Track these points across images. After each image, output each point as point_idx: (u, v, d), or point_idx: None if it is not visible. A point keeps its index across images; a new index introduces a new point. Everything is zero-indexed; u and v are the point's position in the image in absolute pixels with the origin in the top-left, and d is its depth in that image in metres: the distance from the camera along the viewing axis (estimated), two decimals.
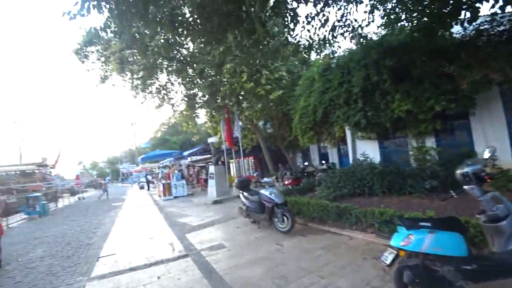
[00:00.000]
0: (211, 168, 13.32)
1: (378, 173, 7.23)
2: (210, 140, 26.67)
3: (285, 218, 6.08)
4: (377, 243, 4.90)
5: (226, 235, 6.69)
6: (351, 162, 10.01)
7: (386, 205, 6.25)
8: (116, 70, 13.50)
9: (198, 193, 17.60)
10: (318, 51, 7.04)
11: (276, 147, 19.83)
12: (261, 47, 6.36)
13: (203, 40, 5.68)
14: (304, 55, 8.07)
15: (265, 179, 6.99)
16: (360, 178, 7.40)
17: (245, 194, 7.21)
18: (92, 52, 15.06)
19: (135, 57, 13.95)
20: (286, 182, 11.82)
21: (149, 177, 31.36)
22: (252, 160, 20.77)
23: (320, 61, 10.16)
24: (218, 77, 13.81)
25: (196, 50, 14.30)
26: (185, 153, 18.85)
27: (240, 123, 15.02)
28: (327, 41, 6.62)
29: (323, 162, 16.52)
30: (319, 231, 6.09)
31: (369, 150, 9.11)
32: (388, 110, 7.23)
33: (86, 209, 15.81)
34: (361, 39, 7.24)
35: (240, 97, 14.12)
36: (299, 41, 6.63)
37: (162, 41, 13.39)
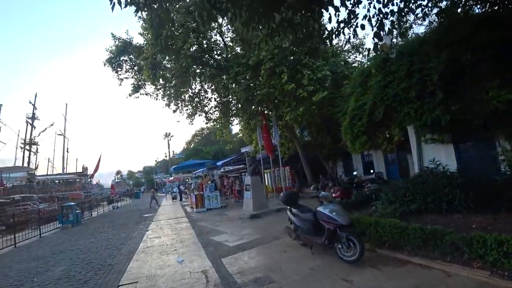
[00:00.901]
0: (247, 179, 12.10)
1: (459, 184, 5.65)
2: (243, 149, 25.73)
3: (351, 244, 4.60)
4: (494, 284, 3.41)
5: (272, 262, 5.29)
6: (416, 170, 8.28)
7: (481, 225, 4.78)
8: (148, 77, 12.99)
9: (231, 205, 16.41)
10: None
11: (314, 156, 18.26)
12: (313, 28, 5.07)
13: (245, 16, 4.49)
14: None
15: (323, 193, 5.51)
16: (434, 191, 5.80)
17: (295, 210, 5.83)
18: (125, 60, 14.80)
19: (167, 63, 13.40)
20: (333, 195, 10.27)
21: (182, 188, 30.98)
22: (288, 170, 19.31)
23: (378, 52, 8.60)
24: (254, 80, 12.77)
25: (230, 54, 13.48)
26: (219, 163, 17.87)
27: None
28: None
29: (372, 171, 14.66)
30: (395, 262, 4.55)
31: (440, 156, 7.40)
32: (480, 102, 5.53)
33: (117, 220, 15.22)
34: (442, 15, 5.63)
35: (278, 101, 12.89)
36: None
37: (194, 47, 12.96)
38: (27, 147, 41.92)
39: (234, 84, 12.64)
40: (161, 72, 12.95)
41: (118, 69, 14.59)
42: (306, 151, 17.79)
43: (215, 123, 16.78)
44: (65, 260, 7.29)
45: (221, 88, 14.32)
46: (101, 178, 57.60)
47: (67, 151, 53.85)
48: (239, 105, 13.80)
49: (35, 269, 6.76)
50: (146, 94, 15.75)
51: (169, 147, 76.32)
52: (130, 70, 14.80)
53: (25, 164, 38.71)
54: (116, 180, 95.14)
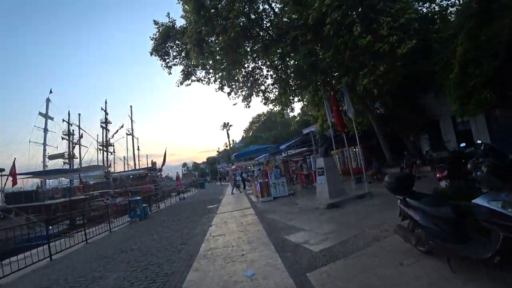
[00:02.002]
0: (319, 161, 10.15)
1: None
2: (306, 130, 23.62)
3: None
4: None
5: (389, 285, 3.41)
6: None
7: None
8: (195, 57, 11.68)
9: (300, 192, 14.70)
10: None
11: (390, 131, 15.43)
12: None
13: None
14: None
15: (481, 174, 3.32)
16: None
17: (413, 202, 3.81)
18: (171, 46, 13.81)
19: (214, 39, 11.97)
20: (438, 175, 7.78)
21: (244, 175, 30.30)
22: (360, 149, 16.70)
23: None
24: (317, 43, 10.62)
25: (282, 21, 11.43)
26: (282, 147, 16.19)
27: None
28: None
29: (480, 142, 11.51)
30: None
31: None
32: None
33: (182, 212, 14.71)
34: None
35: (349, 64, 10.50)
36: None
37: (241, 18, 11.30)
38: (104, 148, 46.02)
39: (292, 53, 10.64)
40: (209, 49, 11.52)
41: (165, 56, 13.73)
42: (381, 125, 15.07)
43: (274, 103, 15.08)
44: (123, 264, 6.44)
45: (277, 60, 12.47)
46: (169, 171, 60.93)
47: (138, 149, 58.14)
48: (301, 77, 11.78)
49: (92, 274, 6.06)
50: (198, 80, 14.71)
51: (228, 137, 77.46)
52: (177, 57, 13.86)
53: (111, 166, 42.59)
54: (184, 172, 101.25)
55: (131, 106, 55.76)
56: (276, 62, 13.81)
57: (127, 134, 53.20)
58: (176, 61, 13.89)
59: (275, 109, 15.57)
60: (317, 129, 17.22)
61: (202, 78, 14.44)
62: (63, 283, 5.84)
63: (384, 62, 8.93)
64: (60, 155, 36.43)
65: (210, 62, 12.69)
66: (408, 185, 4.08)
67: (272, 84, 14.07)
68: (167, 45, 13.41)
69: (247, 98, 14.89)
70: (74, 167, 36.02)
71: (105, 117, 49.03)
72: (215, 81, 14.18)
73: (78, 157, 42.60)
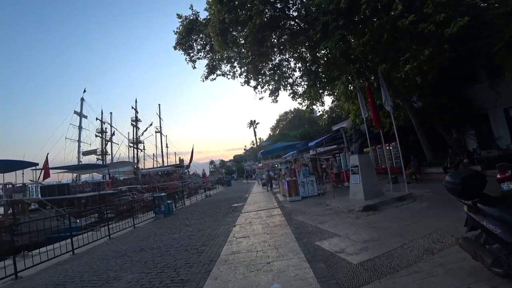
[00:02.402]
0: (353, 159, 9.21)
1: None
2: (335, 127, 22.47)
3: None
4: None
5: None
6: None
7: None
8: (219, 46, 11.09)
9: (329, 192, 13.76)
10: None
11: (430, 126, 13.99)
12: None
13: None
14: None
15: None
16: None
17: (488, 209, 2.94)
18: (195, 39, 13.36)
19: (239, 29, 11.33)
20: (499, 176, 6.61)
21: (271, 173, 29.62)
22: (398, 146, 15.29)
23: None
24: (350, 28, 9.65)
25: (311, 6, 10.54)
26: (311, 144, 15.28)
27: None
28: None
29: None
30: None
31: None
32: None
33: (206, 210, 14.32)
34: None
35: (387, 51, 9.41)
36: None
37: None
38: (134, 145, 47.37)
39: (322, 41, 9.73)
40: (233, 38, 10.87)
41: (189, 50, 13.32)
42: (420, 120, 13.70)
43: (302, 98, 14.21)
44: (140, 263, 6.06)
45: (305, 51, 11.61)
46: (197, 168, 61.60)
47: (167, 147, 59.38)
48: (332, 67, 10.84)
49: (107, 273, 5.76)
50: (223, 75, 14.19)
51: (255, 135, 77.16)
52: (202, 50, 13.39)
53: (139, 162, 43.79)
54: (211, 170, 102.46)
55: (159, 105, 56.92)
56: (304, 54, 12.95)
57: (156, 132, 54.47)
58: (200, 55, 13.46)
59: (303, 104, 14.70)
60: (348, 125, 16.14)
61: (227, 72, 13.95)
62: (77, 281, 5.61)
63: (429, 46, 7.79)
64: (93, 151, 37.97)
65: (235, 51, 12.04)
66: (479, 187, 3.19)
67: (301, 77, 13.24)
68: (190, 38, 13.00)
69: (274, 93, 14.16)
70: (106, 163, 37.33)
71: (135, 115, 50.45)
72: (240, 74, 13.61)
73: (110, 154, 44.22)
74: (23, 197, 16.71)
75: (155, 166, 52.90)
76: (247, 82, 13.54)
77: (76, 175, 30.22)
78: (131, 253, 7.24)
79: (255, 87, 13.85)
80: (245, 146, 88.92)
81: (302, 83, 13.54)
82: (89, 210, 17.80)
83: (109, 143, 45.01)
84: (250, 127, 78.07)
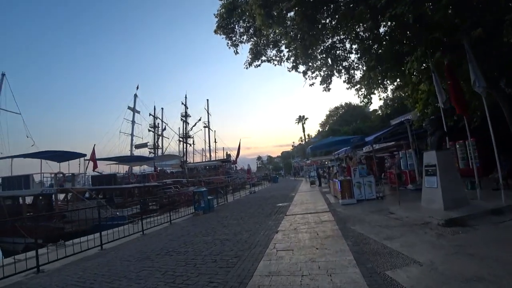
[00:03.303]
0: (429, 156, 7.20)
1: None
2: (394, 121, 19.71)
3: None
4: None
5: None
6: None
7: None
8: (261, 20, 9.62)
9: (389, 196, 11.69)
10: None
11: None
12: None
13: None
14: None
15: None
16: None
17: None
18: (237, 21, 12.08)
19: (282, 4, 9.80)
20: None
21: (320, 171, 27.67)
22: (474, 144, 12.38)
23: None
24: None
25: None
26: (368, 138, 13.18)
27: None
28: None
29: None
30: None
31: None
32: None
33: (248, 209, 13.18)
34: None
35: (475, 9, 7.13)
36: None
37: None
38: (183, 140, 48.65)
39: (389, 6, 7.71)
40: (278, 7, 9.29)
41: (231, 34, 12.10)
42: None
43: (359, 85, 12.19)
44: (158, 273, 5.11)
45: (366, 24, 9.63)
46: (244, 164, 61.53)
47: (215, 142, 60.32)
48: (403, 37, 8.77)
49: (120, 281, 4.94)
50: (268, 61, 12.76)
51: (304, 131, 74.78)
52: (244, 33, 12.10)
53: (185, 156, 44.98)
54: (258, 165, 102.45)
55: (207, 100, 58.10)
56: (363, 34, 10.95)
57: (204, 127, 55.44)
58: (243, 38, 12.19)
59: (359, 93, 12.66)
60: (414, 117, 13.65)
61: (273, 57, 12.50)
62: (88, 285, 4.96)
63: None
64: (144, 145, 39.84)
65: (281, 28, 10.50)
66: None
67: (359, 58, 11.24)
68: (232, 20, 11.80)
69: (326, 79, 12.36)
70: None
71: (185, 111, 51.80)
72: (287, 59, 12.07)
73: (161, 148, 46.01)
74: (71, 186, 17.38)
75: (203, 160, 54.00)
76: (295, 68, 11.97)
77: (128, 167, 31.49)
78: (155, 256, 6.39)
79: (304, 72, 12.19)
80: (293, 142, 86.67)
81: (360, 66, 11.54)
82: (133, 201, 18.00)
83: (161, 137, 46.81)
84: (298, 123, 75.90)
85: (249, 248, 6.06)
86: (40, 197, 17.68)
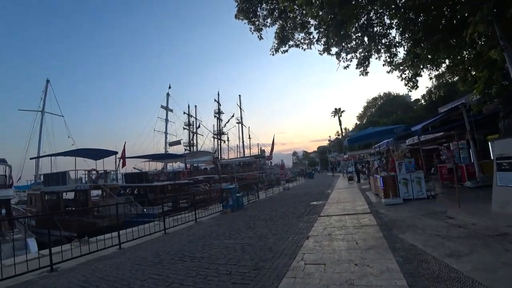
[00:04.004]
0: (503, 145, 5.64)
1: None
2: (443, 108, 17.34)
3: None
4: None
5: None
6: None
7: None
8: None
9: (440, 194, 10.01)
10: None
11: None
12: None
13: None
14: None
15: None
16: None
17: None
18: (259, 2, 10.91)
19: None
20: None
21: (359, 166, 25.78)
22: None
23: None
24: None
25: None
26: (416, 128, 11.35)
27: None
28: None
29: None
30: None
31: None
32: None
33: (279, 207, 12.17)
34: None
35: None
36: None
37: None
38: (217, 137, 48.81)
39: None
40: None
41: (254, 18, 11.00)
42: None
43: (403, 65, 10.51)
44: (165, 283, 4.41)
45: None
46: (279, 159, 60.49)
47: (249, 138, 59.98)
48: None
49: None
50: (297, 45, 11.51)
51: (340, 124, 71.52)
52: (269, 16, 10.94)
53: (217, 152, 45.11)
54: (294, 161, 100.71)
55: (239, 96, 57.83)
56: (405, 2, 9.29)
57: (237, 123, 55.17)
58: (267, 22, 11.05)
59: (403, 76, 10.97)
60: (468, 100, 11.62)
61: (302, 41, 11.25)
62: None
63: None
64: (177, 142, 40.40)
65: (306, 5, 9.22)
66: None
67: (401, 33, 9.57)
68: (253, 2, 10.71)
69: (363, 62, 10.88)
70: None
71: (218, 108, 51.88)
72: (318, 41, 10.75)
73: (195, 145, 46.55)
74: (104, 183, 17.69)
75: (238, 156, 53.88)
76: (327, 50, 10.63)
77: (163, 164, 31.95)
78: (168, 261, 5.74)
79: (337, 54, 10.79)
80: (329, 136, 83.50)
81: (403, 42, 9.86)
82: (164, 198, 17.93)
83: (195, 134, 47.35)
84: (334, 116, 72.76)
85: (273, 258, 5.08)
86: (78, 193, 18.31)
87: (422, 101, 46.23)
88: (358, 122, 68.71)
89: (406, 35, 9.53)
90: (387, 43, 10.17)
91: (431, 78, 10.88)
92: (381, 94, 63.90)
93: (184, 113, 48.13)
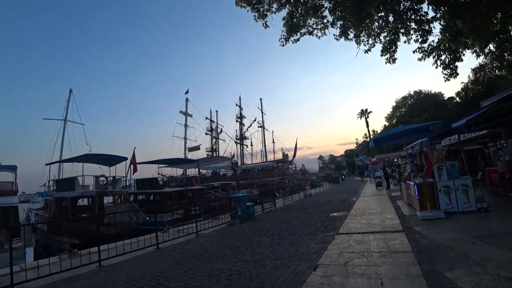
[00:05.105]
0: None
1: None
2: (486, 101, 14.83)
3: None
4: None
5: None
6: None
7: None
8: None
9: (494, 205, 7.93)
10: None
11: None
12: None
13: None
14: None
15: None
16: None
17: None
18: None
19: None
20: None
21: (388, 170, 23.41)
22: None
23: None
24: None
25: None
26: (457, 124, 9.19)
27: None
28: None
29: None
30: None
31: None
32: None
33: (293, 219, 10.60)
34: None
35: None
36: None
37: None
38: (240, 141, 47.91)
39: None
40: None
41: (257, 5, 9.61)
42: None
43: (439, 49, 8.61)
44: None
45: None
46: (306, 163, 58.42)
47: (273, 142, 58.58)
48: None
49: None
50: (309, 33, 9.95)
51: (367, 126, 68.12)
52: (274, 1, 9.50)
53: (235, 157, 44.17)
54: (320, 165, 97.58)
55: (260, 99, 56.16)
56: None
57: (259, 127, 53.90)
58: (273, 7, 9.61)
59: (439, 63, 9.08)
60: None
61: (314, 26, 9.69)
62: None
63: None
64: (196, 148, 39.82)
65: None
66: None
67: (436, 6, 7.70)
68: None
69: (389, 47, 9.13)
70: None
71: (240, 112, 51.02)
72: (333, 24, 9.14)
73: (217, 150, 45.84)
74: (111, 189, 17.15)
75: (262, 161, 52.54)
76: (344, 34, 8.97)
77: (183, 170, 31.34)
78: (158, 282, 4.89)
79: (356, 36, 9.09)
80: (356, 139, 79.69)
81: (438, 16, 7.98)
82: (173, 206, 17.08)
83: (216, 140, 46.78)
84: (361, 117, 69.47)
85: None
86: (89, 199, 17.94)
87: (457, 99, 42.54)
88: (386, 124, 64.97)
89: (443, 7, 7.66)
90: (418, 18, 8.33)
91: (478, 55, 8.78)
92: (411, 93, 60.03)
93: (206, 118, 47.83)
